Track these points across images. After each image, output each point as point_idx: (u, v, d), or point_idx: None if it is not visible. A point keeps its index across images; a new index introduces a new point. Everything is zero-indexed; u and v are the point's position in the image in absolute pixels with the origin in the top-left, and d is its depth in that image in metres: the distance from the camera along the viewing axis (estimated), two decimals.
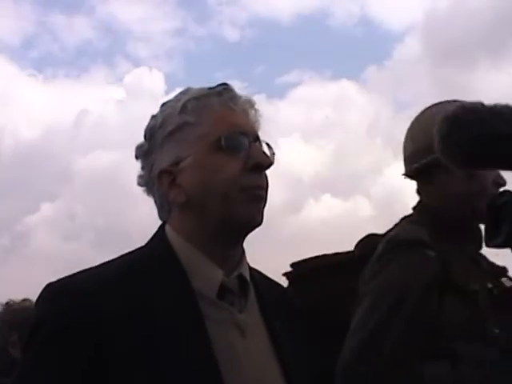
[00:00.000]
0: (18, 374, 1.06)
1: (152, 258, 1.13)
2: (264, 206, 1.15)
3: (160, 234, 1.18)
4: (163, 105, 1.20)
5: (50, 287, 1.09)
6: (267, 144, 1.19)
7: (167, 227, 1.18)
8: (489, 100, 1.13)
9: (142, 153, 1.19)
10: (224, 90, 1.16)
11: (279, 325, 1.19)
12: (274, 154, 1.19)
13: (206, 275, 1.12)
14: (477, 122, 1.07)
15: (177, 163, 1.14)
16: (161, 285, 1.09)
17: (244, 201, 1.11)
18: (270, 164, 1.15)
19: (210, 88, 1.18)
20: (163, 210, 1.19)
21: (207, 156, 1.12)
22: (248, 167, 1.12)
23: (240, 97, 1.18)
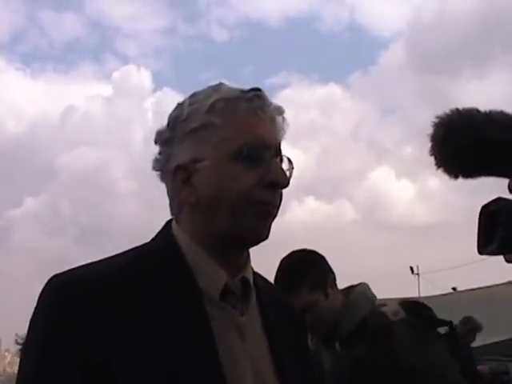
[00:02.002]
0: (20, 366, 1.05)
1: (158, 255, 1.13)
2: (272, 221, 1.15)
3: (166, 231, 1.18)
4: (192, 96, 1.18)
5: (55, 279, 1.08)
6: (288, 159, 1.18)
7: (174, 224, 1.18)
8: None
9: (162, 140, 1.18)
10: (256, 96, 1.14)
11: (278, 331, 1.18)
12: (293, 168, 1.18)
13: (211, 275, 1.12)
14: (472, 128, 1.06)
15: (195, 162, 1.12)
16: (166, 282, 1.09)
17: (252, 216, 1.11)
18: (287, 184, 1.14)
19: (242, 91, 1.15)
20: (173, 204, 1.18)
21: (225, 163, 1.11)
22: (264, 183, 1.11)
23: (270, 104, 1.16)
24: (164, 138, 1.17)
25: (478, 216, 1.09)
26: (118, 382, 0.99)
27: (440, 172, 1.11)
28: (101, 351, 1.00)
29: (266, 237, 1.14)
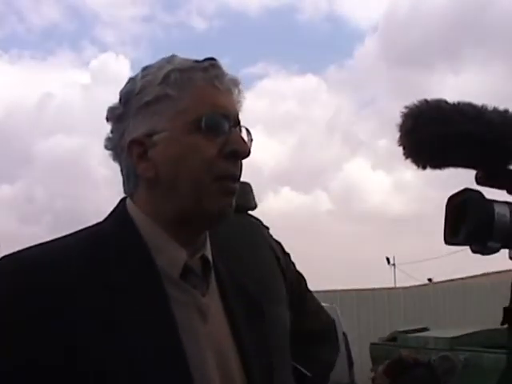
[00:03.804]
0: None
1: (113, 234, 1.08)
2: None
3: (121, 208, 1.13)
4: (144, 69, 1.13)
5: (3, 262, 1.01)
6: (246, 129, 1.15)
7: (128, 202, 1.13)
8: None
9: (115, 116, 1.13)
10: (211, 65, 1.11)
11: (238, 310, 1.16)
12: (251, 140, 1.15)
13: (170, 254, 1.08)
14: (441, 119, 1.07)
15: (150, 135, 1.08)
16: (123, 262, 1.03)
17: (217, 193, 1.07)
18: (248, 153, 1.11)
19: (197, 61, 1.12)
20: (129, 181, 1.13)
21: (184, 134, 1.07)
22: (225, 153, 1.08)
23: (226, 75, 1.12)
24: (117, 114, 1.12)
25: (444, 206, 1.10)
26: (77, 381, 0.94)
27: (408, 162, 1.11)
28: (61, 346, 0.94)
29: (230, 215, 1.11)
